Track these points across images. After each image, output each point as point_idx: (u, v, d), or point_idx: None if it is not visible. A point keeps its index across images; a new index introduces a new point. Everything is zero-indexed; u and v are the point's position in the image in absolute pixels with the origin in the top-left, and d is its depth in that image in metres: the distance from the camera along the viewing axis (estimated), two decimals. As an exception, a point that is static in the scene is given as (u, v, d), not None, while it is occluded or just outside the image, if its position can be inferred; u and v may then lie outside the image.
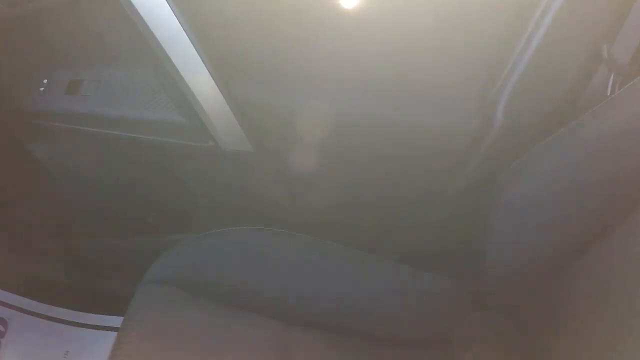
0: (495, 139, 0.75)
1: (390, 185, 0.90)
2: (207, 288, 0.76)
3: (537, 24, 0.66)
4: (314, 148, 0.85)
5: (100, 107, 0.83)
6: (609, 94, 0.66)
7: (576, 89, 0.70)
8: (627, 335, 0.52)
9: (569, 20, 0.65)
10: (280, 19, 0.78)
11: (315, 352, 0.73)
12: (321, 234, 0.82)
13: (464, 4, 0.74)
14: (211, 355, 0.69)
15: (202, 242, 0.80)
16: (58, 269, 1.11)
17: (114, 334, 1.09)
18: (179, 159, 0.88)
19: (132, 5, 0.70)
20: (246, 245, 0.80)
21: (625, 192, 0.57)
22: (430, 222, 0.95)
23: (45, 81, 0.85)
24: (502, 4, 0.73)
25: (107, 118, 0.83)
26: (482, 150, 0.77)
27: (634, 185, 0.56)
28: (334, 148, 0.85)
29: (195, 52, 0.72)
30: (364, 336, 0.77)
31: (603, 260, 0.60)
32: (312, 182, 0.92)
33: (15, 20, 0.82)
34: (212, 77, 0.74)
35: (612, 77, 0.66)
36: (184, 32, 0.71)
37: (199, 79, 0.74)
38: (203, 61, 0.73)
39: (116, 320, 1.11)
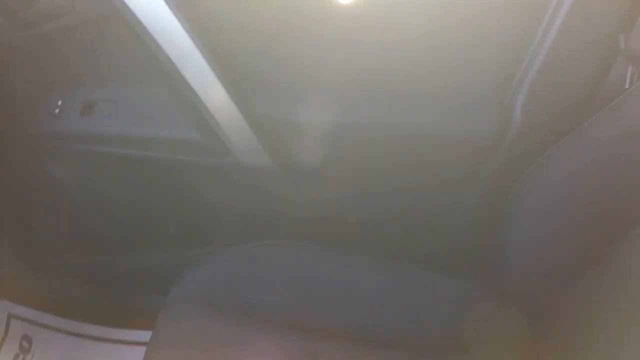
0: (514, 138, 0.74)
1: (410, 191, 0.89)
2: (231, 303, 0.76)
3: (552, 17, 0.65)
4: (331, 158, 0.85)
5: (115, 127, 0.83)
6: (627, 86, 0.65)
7: (594, 82, 0.69)
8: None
9: (584, 11, 0.64)
10: (293, 31, 0.77)
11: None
12: (341, 244, 0.81)
13: (476, 2, 0.73)
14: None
15: (226, 257, 0.80)
16: (81, 286, 1.12)
17: (138, 349, 1.10)
18: (198, 176, 0.88)
19: (143, 25, 0.70)
20: (269, 259, 0.80)
21: None
22: (450, 227, 0.94)
23: (59, 103, 0.85)
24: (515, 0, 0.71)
25: (123, 138, 0.83)
26: (501, 151, 0.76)
27: None
28: (353, 158, 0.84)
29: (209, 68, 0.72)
30: (390, 345, 0.77)
31: (624, 260, 0.59)
32: (331, 192, 0.91)
33: (27, 42, 0.82)
34: (227, 92, 0.74)
35: (630, 68, 0.64)
36: (197, 49, 0.71)
37: (214, 95, 0.74)
38: (217, 77, 0.73)
39: (140, 335, 1.12)
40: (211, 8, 0.75)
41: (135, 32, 0.71)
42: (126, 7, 0.69)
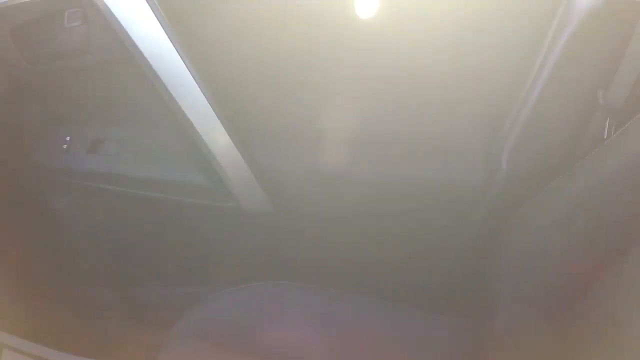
0: (501, 187, 0.76)
1: (403, 237, 0.91)
2: (232, 341, 0.76)
3: (538, 74, 0.69)
4: (329, 206, 0.86)
5: (121, 166, 0.84)
6: (605, 136, 0.69)
7: (575, 134, 0.72)
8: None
9: (567, 70, 0.68)
10: (295, 82, 0.80)
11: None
12: (339, 286, 0.83)
13: (464, 57, 0.76)
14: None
15: (228, 297, 0.82)
16: (80, 319, 1.11)
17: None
18: (200, 218, 0.89)
19: (154, 70, 0.72)
20: (268, 299, 0.81)
21: (626, 232, 0.58)
22: (444, 269, 0.96)
23: (67, 139, 0.87)
24: (503, 58, 0.75)
25: (128, 177, 0.84)
26: (488, 198, 0.79)
27: (635, 223, 0.57)
28: (348, 205, 0.86)
29: (215, 114, 0.73)
30: None
31: (609, 296, 0.60)
32: (328, 237, 0.92)
33: (38, 78, 0.84)
34: (231, 138, 0.75)
35: (608, 120, 0.68)
36: (204, 96, 0.73)
37: (219, 141, 0.76)
38: (222, 123, 0.74)
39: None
40: (219, 56, 0.77)
41: (145, 75, 0.73)
42: (139, 52, 0.71)
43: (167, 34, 0.70)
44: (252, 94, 0.79)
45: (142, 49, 0.71)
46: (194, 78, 0.72)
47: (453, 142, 0.80)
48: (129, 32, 0.70)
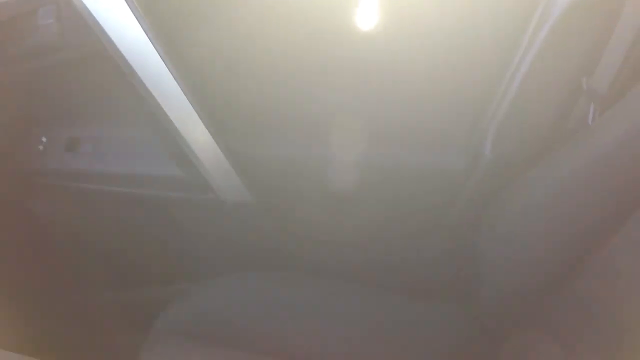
0: (484, 173, 0.77)
1: (386, 222, 0.92)
2: (213, 334, 0.77)
3: (521, 60, 0.69)
4: (310, 193, 0.87)
5: (99, 164, 0.84)
6: (589, 122, 0.69)
7: (559, 121, 0.73)
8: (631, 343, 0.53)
9: (551, 55, 0.68)
10: (271, 70, 0.80)
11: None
12: (322, 274, 0.84)
13: (449, 45, 0.77)
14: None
15: (207, 290, 0.82)
16: (62, 325, 1.09)
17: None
18: (180, 211, 0.89)
19: (130, 65, 0.72)
20: (249, 289, 0.82)
21: (606, 216, 0.60)
22: (428, 255, 0.97)
23: (44, 139, 0.86)
24: (486, 44, 0.76)
25: (106, 175, 0.84)
26: (471, 184, 0.80)
27: (615, 208, 0.58)
28: (329, 192, 0.87)
29: (191, 106, 0.74)
30: None
31: (592, 279, 0.62)
32: (310, 225, 0.93)
33: (14, 78, 0.84)
34: (208, 130, 0.76)
35: (592, 106, 0.69)
36: (180, 89, 0.73)
37: (196, 133, 0.76)
38: (199, 115, 0.74)
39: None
40: (195, 48, 0.78)
41: (121, 71, 0.73)
42: (114, 47, 0.72)
43: (142, 28, 0.71)
44: (228, 85, 0.80)
45: (117, 43, 0.71)
46: (169, 70, 0.72)
47: (436, 128, 0.81)
48: (104, 27, 0.71)
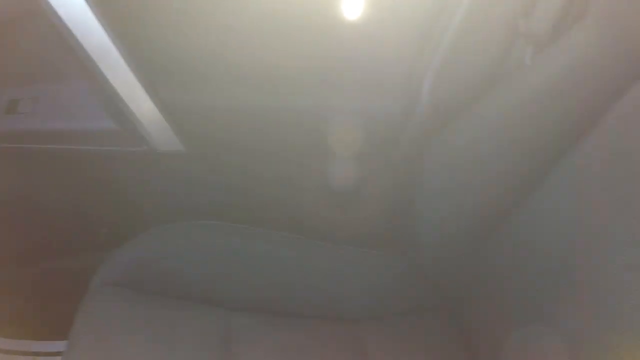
0: (423, 116, 0.79)
1: (323, 171, 0.94)
2: (155, 284, 0.78)
3: (457, 4, 0.71)
4: (242, 143, 0.89)
5: (37, 123, 0.86)
6: (527, 63, 0.72)
7: (497, 62, 0.75)
8: (554, 287, 0.57)
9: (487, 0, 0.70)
10: (201, 20, 0.82)
11: (258, 334, 0.75)
12: (262, 224, 0.85)
13: None
14: (162, 349, 0.71)
15: (147, 239, 0.83)
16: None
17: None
18: (117, 166, 0.92)
19: (63, 21, 0.75)
20: (189, 239, 0.84)
21: (541, 155, 0.63)
22: (367, 201, 0.99)
23: None
24: None
25: (44, 133, 0.87)
26: (410, 129, 0.82)
27: (549, 147, 0.62)
28: (264, 141, 0.89)
29: (122, 58, 0.77)
30: (311, 316, 0.80)
31: (526, 221, 0.65)
32: (246, 173, 0.95)
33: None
34: (139, 81, 0.79)
35: (529, 49, 0.72)
36: (111, 42, 0.77)
37: (127, 85, 0.79)
38: (129, 67, 0.77)
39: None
40: (126, 1, 0.81)
41: (54, 27, 0.77)
42: (46, 2, 0.75)
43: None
44: (160, 37, 0.82)
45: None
46: (100, 23, 0.74)
47: (374, 73, 0.82)
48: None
